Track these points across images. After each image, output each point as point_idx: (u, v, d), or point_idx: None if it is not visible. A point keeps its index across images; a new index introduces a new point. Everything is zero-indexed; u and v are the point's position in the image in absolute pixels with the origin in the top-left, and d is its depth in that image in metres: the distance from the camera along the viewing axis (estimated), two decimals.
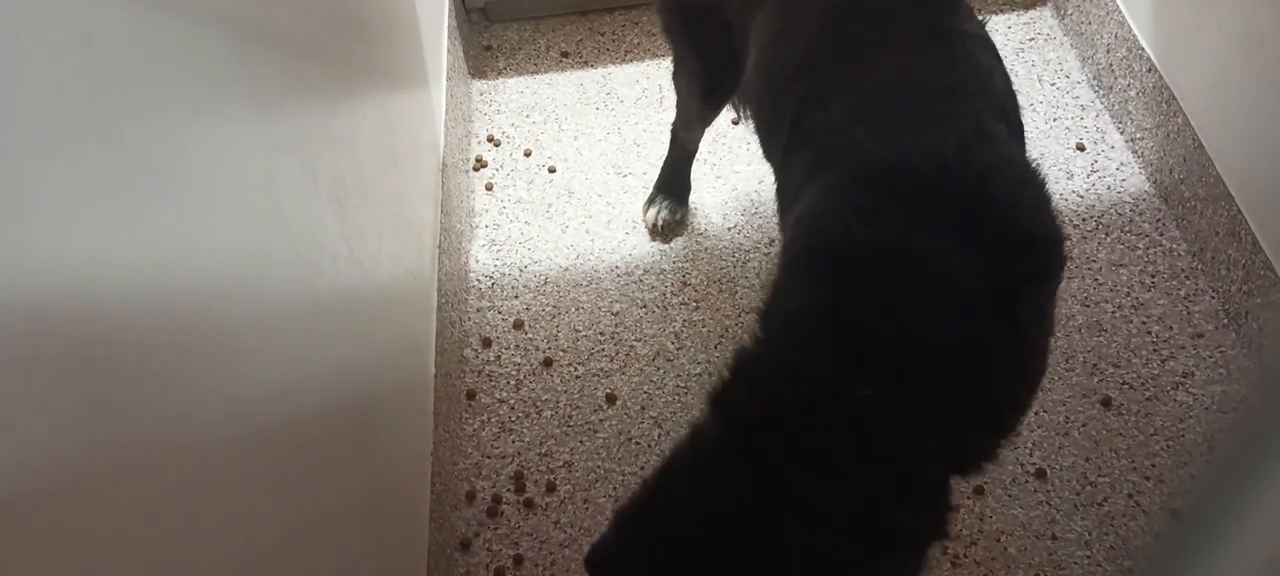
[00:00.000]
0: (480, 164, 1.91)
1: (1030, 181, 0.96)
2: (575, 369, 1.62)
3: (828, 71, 1.11)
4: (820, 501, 0.81)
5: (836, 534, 0.82)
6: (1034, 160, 1.01)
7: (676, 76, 1.57)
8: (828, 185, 0.98)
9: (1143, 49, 1.77)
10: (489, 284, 1.73)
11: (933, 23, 1.09)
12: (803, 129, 1.08)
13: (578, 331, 1.66)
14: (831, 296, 0.89)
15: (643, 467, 1.49)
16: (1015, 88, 1.15)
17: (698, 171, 1.78)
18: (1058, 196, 1.76)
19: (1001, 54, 2.06)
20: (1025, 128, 1.15)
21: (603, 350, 1.63)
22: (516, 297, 1.71)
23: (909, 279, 0.86)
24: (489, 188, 1.87)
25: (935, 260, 0.85)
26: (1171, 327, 1.59)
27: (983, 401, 0.87)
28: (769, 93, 1.20)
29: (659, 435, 1.53)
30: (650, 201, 1.77)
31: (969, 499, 1.42)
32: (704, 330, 1.65)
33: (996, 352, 0.86)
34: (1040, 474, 1.44)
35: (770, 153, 1.22)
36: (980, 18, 1.16)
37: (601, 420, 1.56)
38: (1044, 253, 0.92)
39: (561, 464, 1.51)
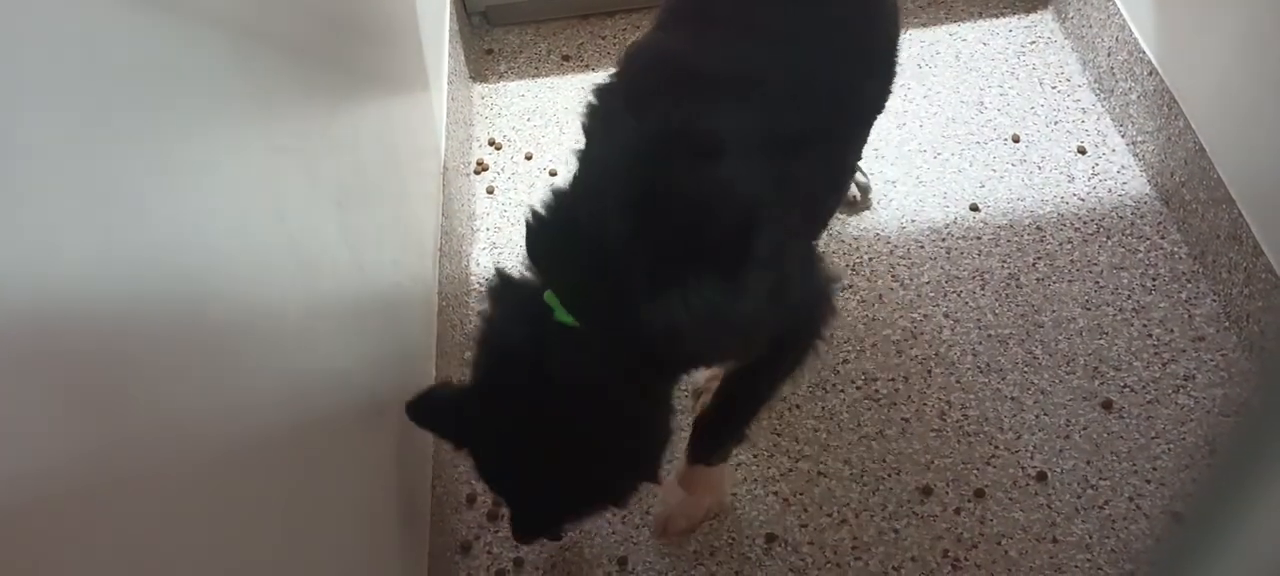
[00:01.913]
0: (481, 167, 1.91)
1: (731, 205, 1.05)
2: None
3: None
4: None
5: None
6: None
7: None
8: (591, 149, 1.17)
9: (1144, 52, 1.77)
10: None
11: None
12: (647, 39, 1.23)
13: None
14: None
15: None
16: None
17: None
18: (1059, 199, 1.78)
19: (1002, 58, 2.04)
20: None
21: None
22: None
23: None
24: (490, 191, 1.87)
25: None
26: (1172, 331, 1.59)
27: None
28: None
29: None
30: None
31: (969, 502, 1.42)
32: None
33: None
34: (1041, 477, 1.44)
35: None
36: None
37: None
38: (727, 239, 1.04)
39: None
